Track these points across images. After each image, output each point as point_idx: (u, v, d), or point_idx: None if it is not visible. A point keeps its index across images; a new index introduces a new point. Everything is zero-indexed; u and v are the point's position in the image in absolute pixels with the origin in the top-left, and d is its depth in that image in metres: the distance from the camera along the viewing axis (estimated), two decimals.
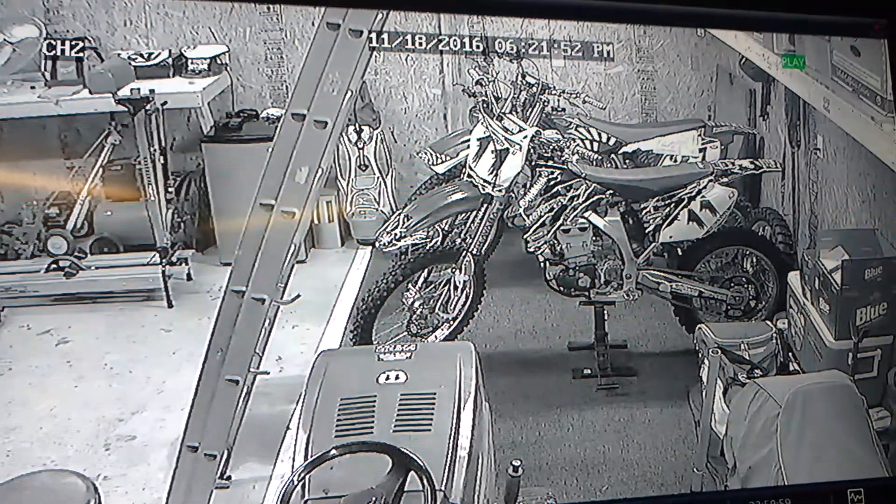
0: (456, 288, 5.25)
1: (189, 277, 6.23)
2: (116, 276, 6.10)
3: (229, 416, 4.12)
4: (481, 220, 5.24)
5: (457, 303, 5.27)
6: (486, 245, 5.35)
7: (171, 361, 5.43)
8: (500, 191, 5.16)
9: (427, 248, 5.32)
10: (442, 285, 5.28)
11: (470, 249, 5.23)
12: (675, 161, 5.79)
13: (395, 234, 5.17)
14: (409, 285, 5.23)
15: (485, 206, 5.23)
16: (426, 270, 5.27)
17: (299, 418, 3.54)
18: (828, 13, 3.39)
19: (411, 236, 5.20)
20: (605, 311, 5.37)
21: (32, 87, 6.38)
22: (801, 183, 5.67)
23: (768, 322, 4.81)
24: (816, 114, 5.11)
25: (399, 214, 5.32)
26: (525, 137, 5.12)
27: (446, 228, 5.58)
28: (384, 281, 5.16)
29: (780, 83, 5.45)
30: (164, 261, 6.10)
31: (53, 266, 6.10)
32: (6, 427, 4.88)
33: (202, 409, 4.08)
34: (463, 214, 5.43)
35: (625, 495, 4.45)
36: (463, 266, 5.22)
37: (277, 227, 4.03)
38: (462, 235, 5.43)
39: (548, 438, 4.80)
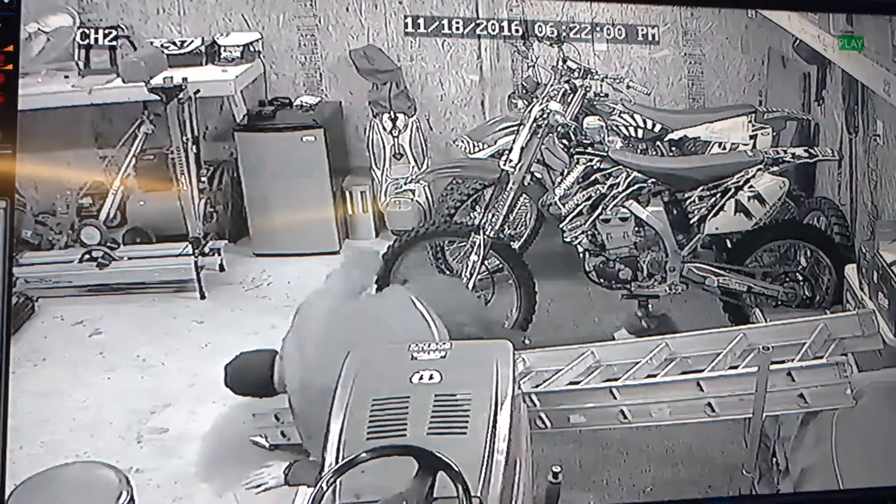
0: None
1: (222, 268, 6.19)
2: (149, 267, 6.10)
3: None
4: (495, 198, 5.16)
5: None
6: (499, 226, 5.25)
7: (203, 354, 5.42)
8: (512, 167, 5.06)
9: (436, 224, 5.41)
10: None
11: (484, 230, 5.16)
12: (724, 149, 5.70)
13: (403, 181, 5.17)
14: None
15: (502, 184, 5.15)
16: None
17: (329, 419, 3.43)
18: None
19: (417, 182, 5.45)
20: (649, 305, 5.28)
21: (66, 77, 6.40)
22: (860, 171, 5.53)
23: None
24: (876, 98, 5.00)
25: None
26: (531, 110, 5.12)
27: (456, 205, 5.60)
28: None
29: (836, 66, 5.34)
30: (196, 251, 6.07)
31: (87, 256, 6.13)
32: (40, 418, 4.89)
33: None
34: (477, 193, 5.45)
35: (670, 497, 4.39)
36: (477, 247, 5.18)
37: None
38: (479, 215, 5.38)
39: (589, 439, 4.67)
